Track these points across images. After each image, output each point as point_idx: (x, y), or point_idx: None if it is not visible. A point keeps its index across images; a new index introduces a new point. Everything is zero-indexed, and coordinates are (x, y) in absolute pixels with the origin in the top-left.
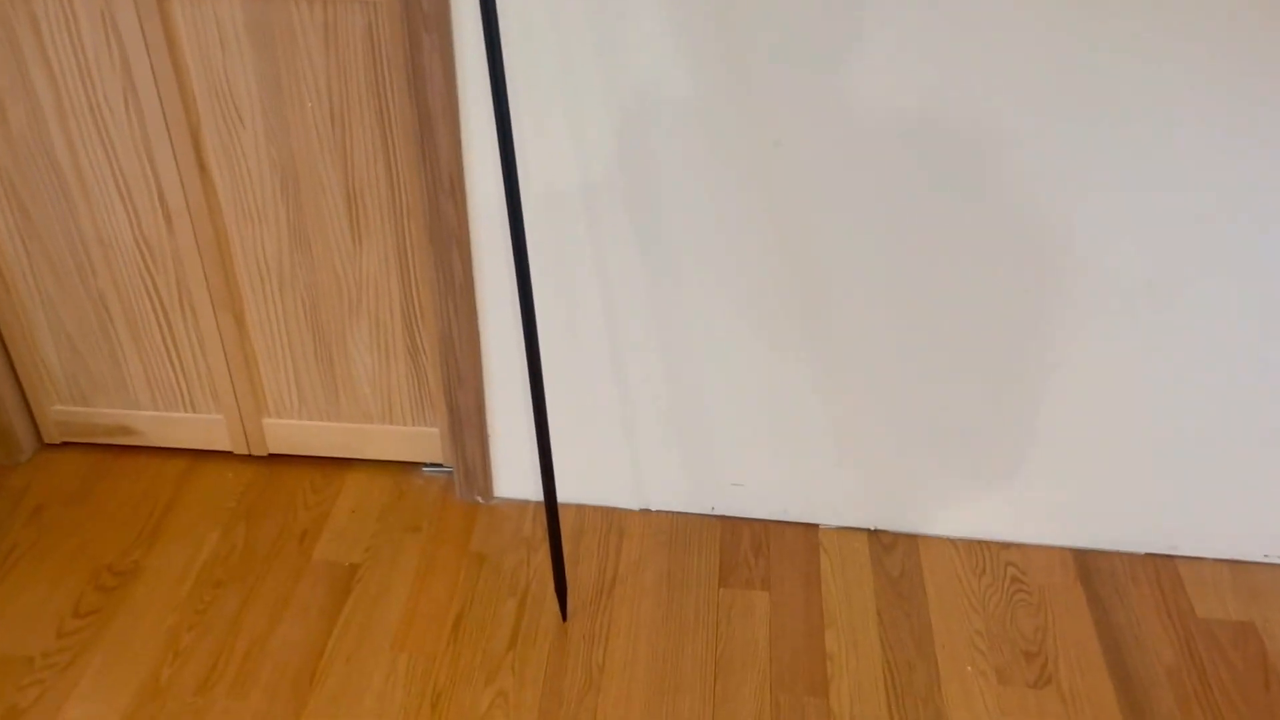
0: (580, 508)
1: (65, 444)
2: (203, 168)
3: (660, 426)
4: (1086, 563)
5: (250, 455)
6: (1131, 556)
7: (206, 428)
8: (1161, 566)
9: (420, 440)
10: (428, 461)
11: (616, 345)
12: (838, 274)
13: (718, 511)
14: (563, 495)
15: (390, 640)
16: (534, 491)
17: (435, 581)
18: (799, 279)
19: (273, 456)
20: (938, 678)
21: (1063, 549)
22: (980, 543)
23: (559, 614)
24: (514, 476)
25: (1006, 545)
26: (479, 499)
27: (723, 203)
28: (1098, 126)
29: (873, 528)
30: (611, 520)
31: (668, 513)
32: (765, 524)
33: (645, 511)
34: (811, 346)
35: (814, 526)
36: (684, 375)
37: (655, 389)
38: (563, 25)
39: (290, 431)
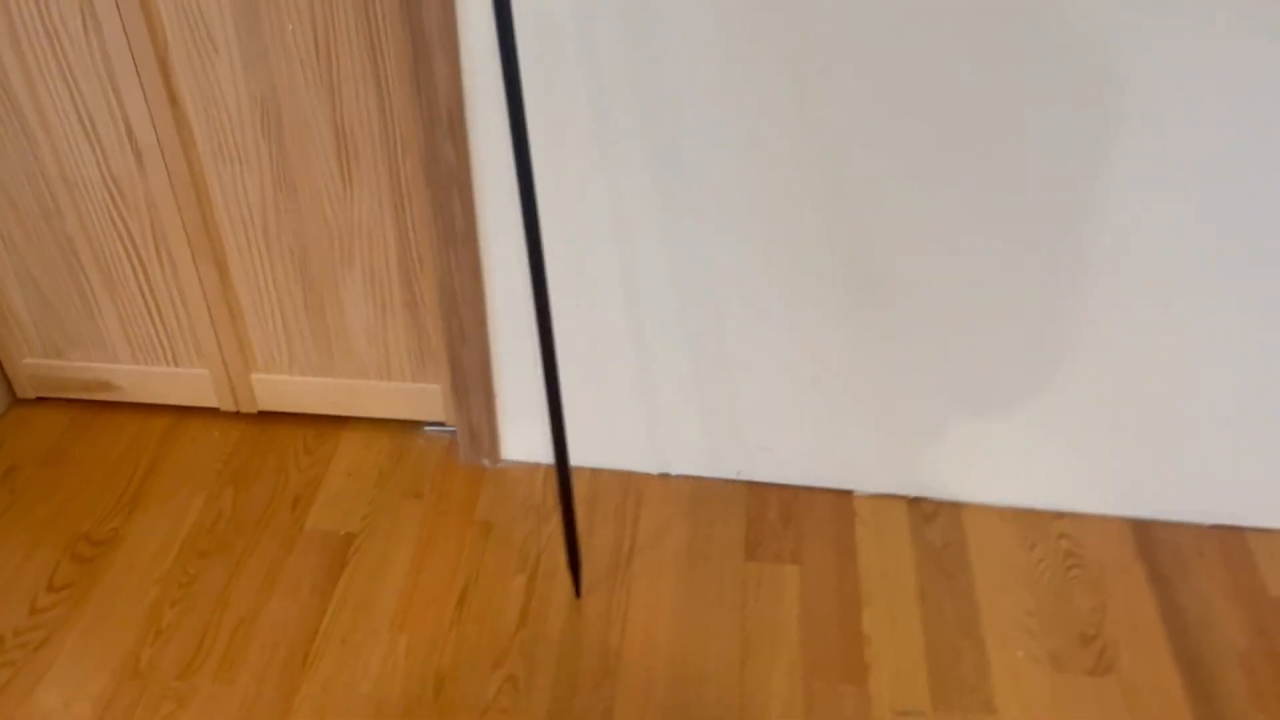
0: (595, 472)
1: (40, 399)
2: (174, 100)
3: (681, 384)
4: (1147, 535)
5: (238, 412)
6: (1196, 528)
7: (191, 383)
8: (1229, 539)
9: (421, 398)
10: (429, 420)
11: (633, 296)
12: (880, 218)
13: (743, 476)
14: (575, 458)
15: (389, 619)
16: (545, 454)
17: (438, 554)
18: (838, 225)
19: (262, 414)
20: (986, 664)
21: (1120, 519)
22: (1030, 512)
23: (572, 590)
24: (523, 438)
25: (1059, 515)
26: (485, 462)
27: (753, 131)
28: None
29: (912, 495)
30: (628, 485)
31: (689, 477)
32: (795, 490)
33: (665, 476)
34: (850, 299)
35: (848, 493)
36: (708, 329)
37: (676, 344)
38: None
39: (280, 387)
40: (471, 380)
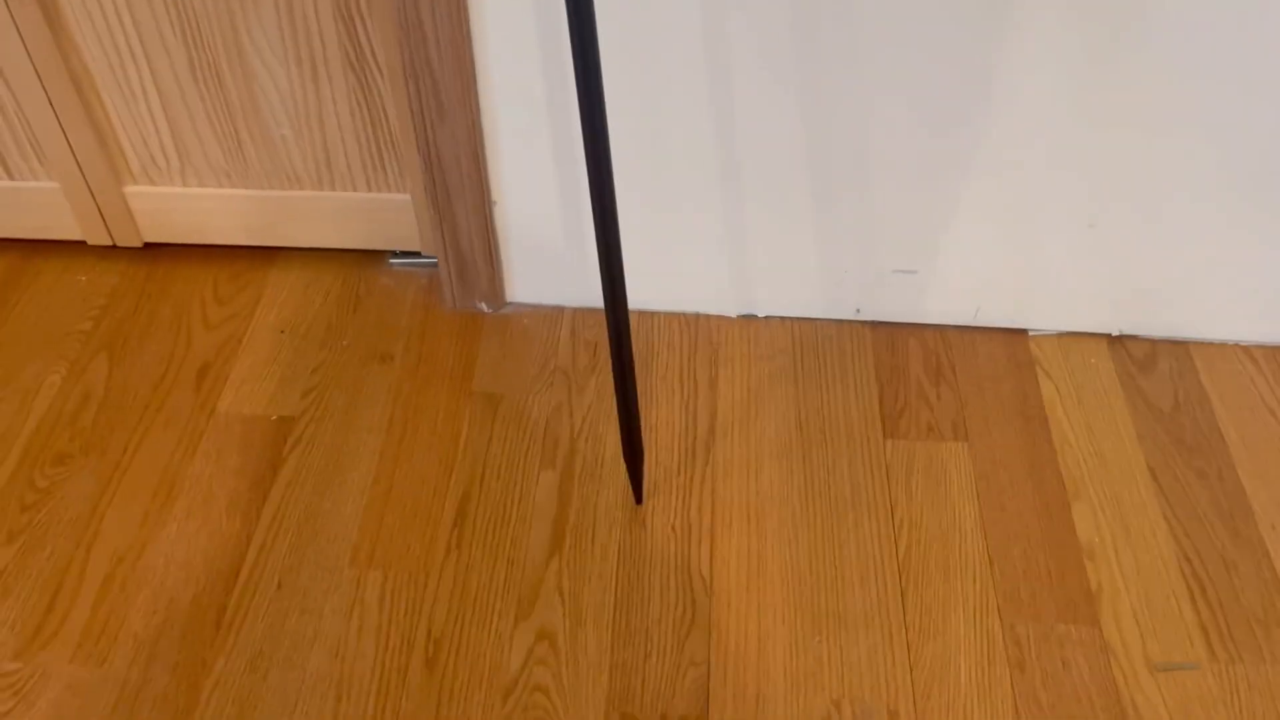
0: (645, 316)
1: None
2: None
3: (776, 181)
4: None
5: (114, 246)
6: None
7: (36, 203)
8: None
9: (381, 215)
10: (396, 250)
11: (716, 48)
12: None
13: (866, 316)
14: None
15: (350, 549)
16: (568, 293)
17: (420, 444)
18: None
19: (150, 248)
20: (1276, 584)
21: None
22: None
23: (631, 494)
24: (536, 271)
25: None
26: (483, 307)
27: None
28: None
29: (1115, 333)
30: (698, 334)
31: (787, 319)
32: (943, 333)
33: (750, 319)
34: (1035, 50)
35: (1021, 333)
36: (826, 92)
37: (775, 123)
38: None
39: (171, 206)
40: (455, 182)
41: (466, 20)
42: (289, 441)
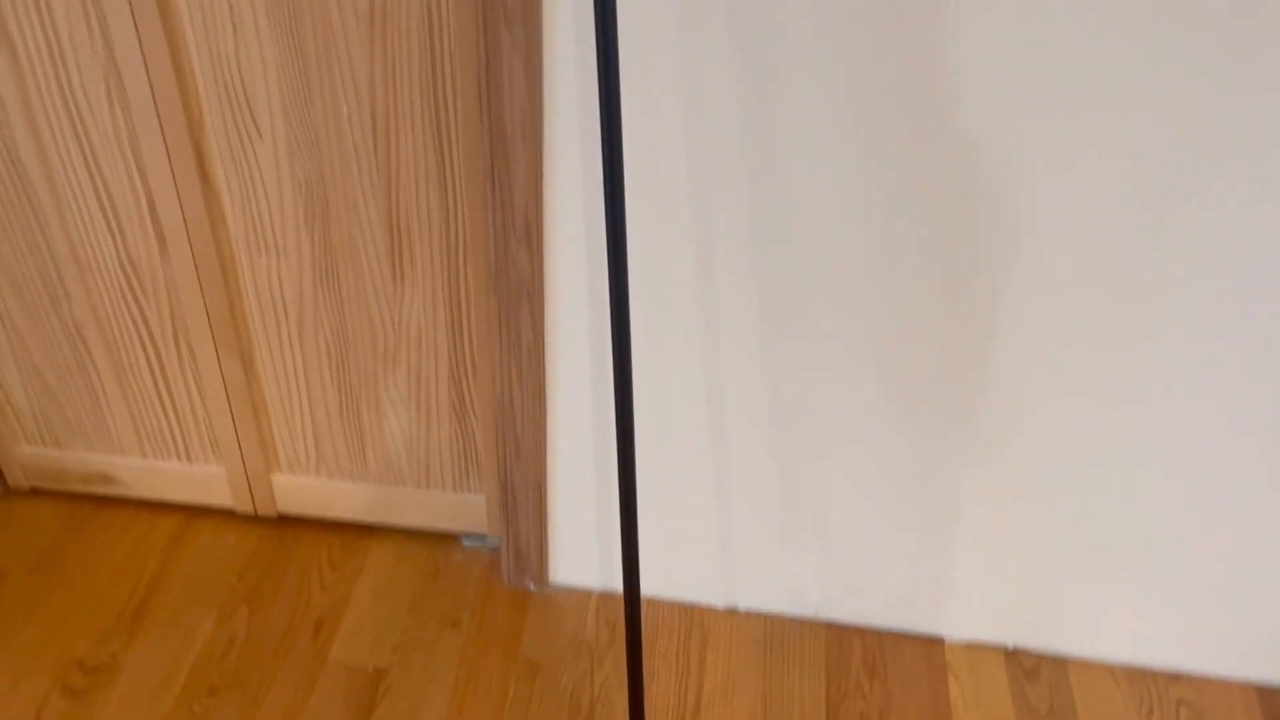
0: (653, 603)
1: (35, 491)
2: (206, 180)
3: (761, 508)
4: (1275, 705)
5: (255, 515)
6: None
7: (204, 480)
8: None
9: (461, 508)
10: (468, 532)
11: (717, 408)
12: (1009, 347)
13: (823, 616)
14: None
15: None
16: (598, 579)
17: (479, 700)
18: (960, 349)
19: (282, 519)
20: None
21: (1244, 685)
22: (1144, 672)
23: None
24: (574, 560)
25: (1176, 677)
26: (531, 586)
27: (883, 284)
28: None
29: (1011, 646)
30: (692, 621)
31: (761, 614)
32: (880, 635)
33: (733, 612)
34: (959, 428)
35: (939, 641)
36: (799, 449)
37: (760, 463)
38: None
39: (305, 490)
40: (522, 497)
41: (544, 390)
42: (380, 688)
